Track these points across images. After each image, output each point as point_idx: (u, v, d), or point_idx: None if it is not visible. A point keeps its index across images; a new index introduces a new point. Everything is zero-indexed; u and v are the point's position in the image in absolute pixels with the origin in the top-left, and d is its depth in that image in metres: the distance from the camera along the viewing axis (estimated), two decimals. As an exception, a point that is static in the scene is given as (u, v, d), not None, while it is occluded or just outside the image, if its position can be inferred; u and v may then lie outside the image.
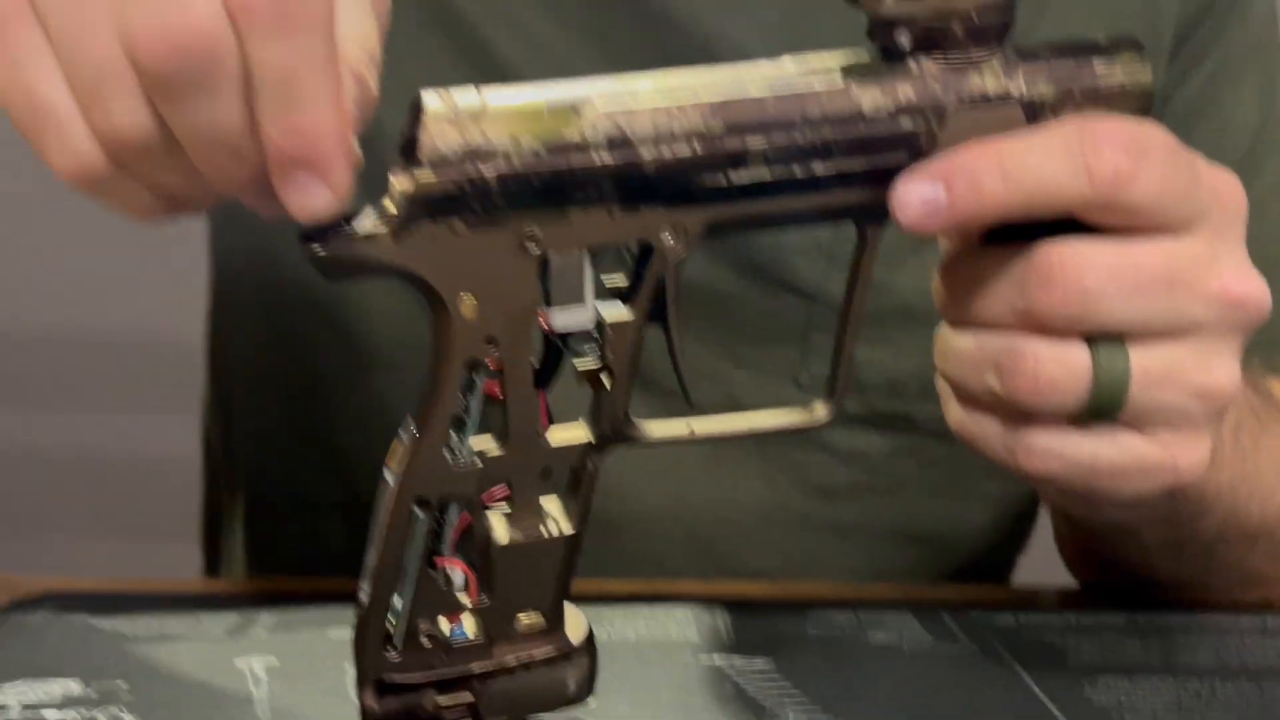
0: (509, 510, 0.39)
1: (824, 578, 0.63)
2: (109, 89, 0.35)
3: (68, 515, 1.49)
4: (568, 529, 0.39)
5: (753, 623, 0.51)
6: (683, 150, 0.37)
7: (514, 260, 0.37)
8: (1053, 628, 0.52)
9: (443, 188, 0.36)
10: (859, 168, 0.38)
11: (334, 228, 0.36)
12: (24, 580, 0.54)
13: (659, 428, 0.40)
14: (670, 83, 0.38)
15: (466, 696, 0.40)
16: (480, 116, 0.36)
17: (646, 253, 0.38)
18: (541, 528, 0.39)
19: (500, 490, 0.39)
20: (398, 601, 0.39)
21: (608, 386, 0.39)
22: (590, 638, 0.41)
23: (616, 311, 0.38)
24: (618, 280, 0.39)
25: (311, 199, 0.35)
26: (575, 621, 0.41)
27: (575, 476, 0.40)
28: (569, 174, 0.37)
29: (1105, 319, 0.39)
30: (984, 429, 0.42)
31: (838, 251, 0.60)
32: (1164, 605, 0.54)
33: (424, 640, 0.39)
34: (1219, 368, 0.40)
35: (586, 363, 0.39)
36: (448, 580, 0.39)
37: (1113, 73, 0.40)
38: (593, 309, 0.38)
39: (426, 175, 0.36)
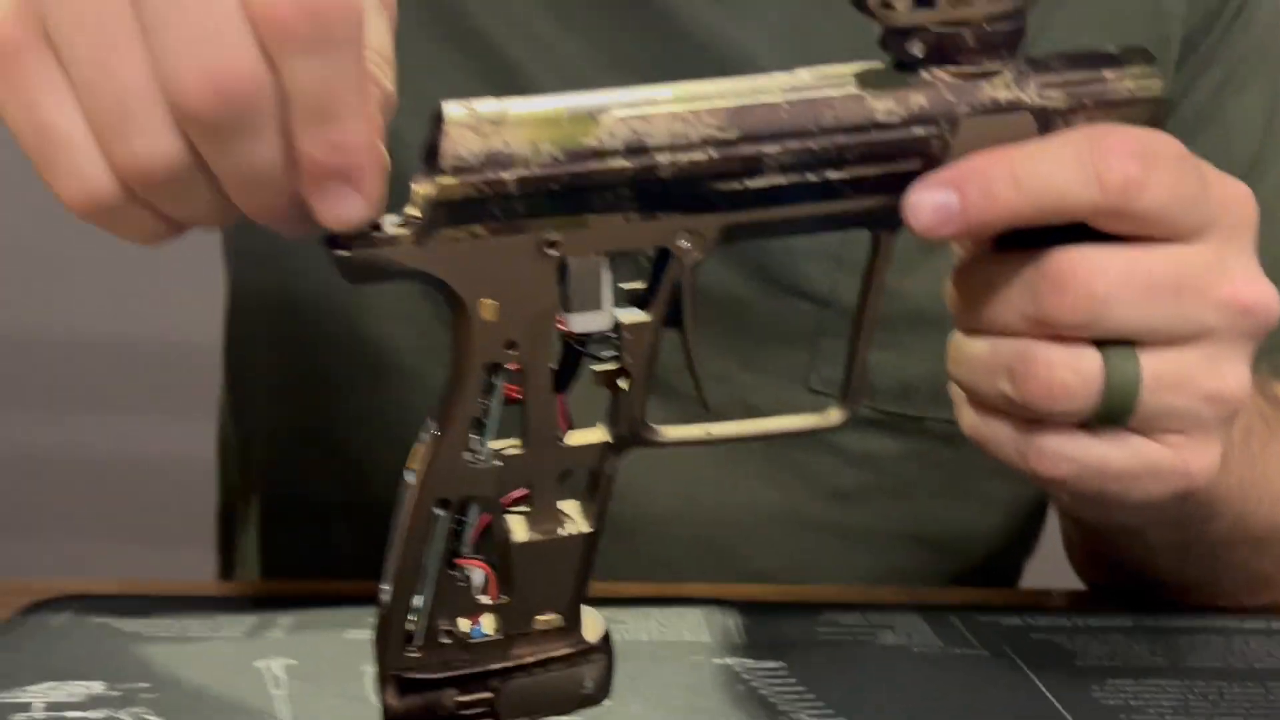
0: (528, 511, 0.40)
1: (833, 580, 0.63)
2: (133, 120, 0.35)
3: (82, 518, 1.49)
4: (585, 529, 0.40)
5: (763, 625, 0.52)
6: (699, 157, 0.38)
7: (533, 265, 0.38)
8: (1060, 630, 0.52)
9: (464, 193, 0.37)
10: (873, 175, 0.39)
11: (358, 232, 0.37)
12: (43, 584, 0.55)
13: (675, 431, 0.41)
14: (687, 91, 0.38)
15: (485, 694, 0.40)
16: (501, 123, 0.37)
17: (663, 258, 0.39)
18: (559, 528, 0.40)
19: (519, 491, 0.40)
20: (418, 600, 0.40)
21: (625, 389, 0.39)
22: (607, 638, 0.41)
23: (634, 315, 0.39)
24: (635, 284, 0.40)
25: (347, 209, 0.36)
26: (592, 621, 0.41)
27: (593, 478, 0.40)
28: (587, 180, 0.37)
29: (1116, 325, 0.40)
30: (997, 433, 0.42)
31: (848, 257, 0.60)
32: (1170, 608, 0.55)
33: (444, 638, 0.40)
34: (1229, 373, 0.41)
35: (604, 366, 0.39)
36: (468, 580, 0.40)
37: (1124, 82, 0.40)
38: (610, 313, 0.39)
39: (448, 181, 0.37)
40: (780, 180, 0.39)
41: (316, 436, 0.68)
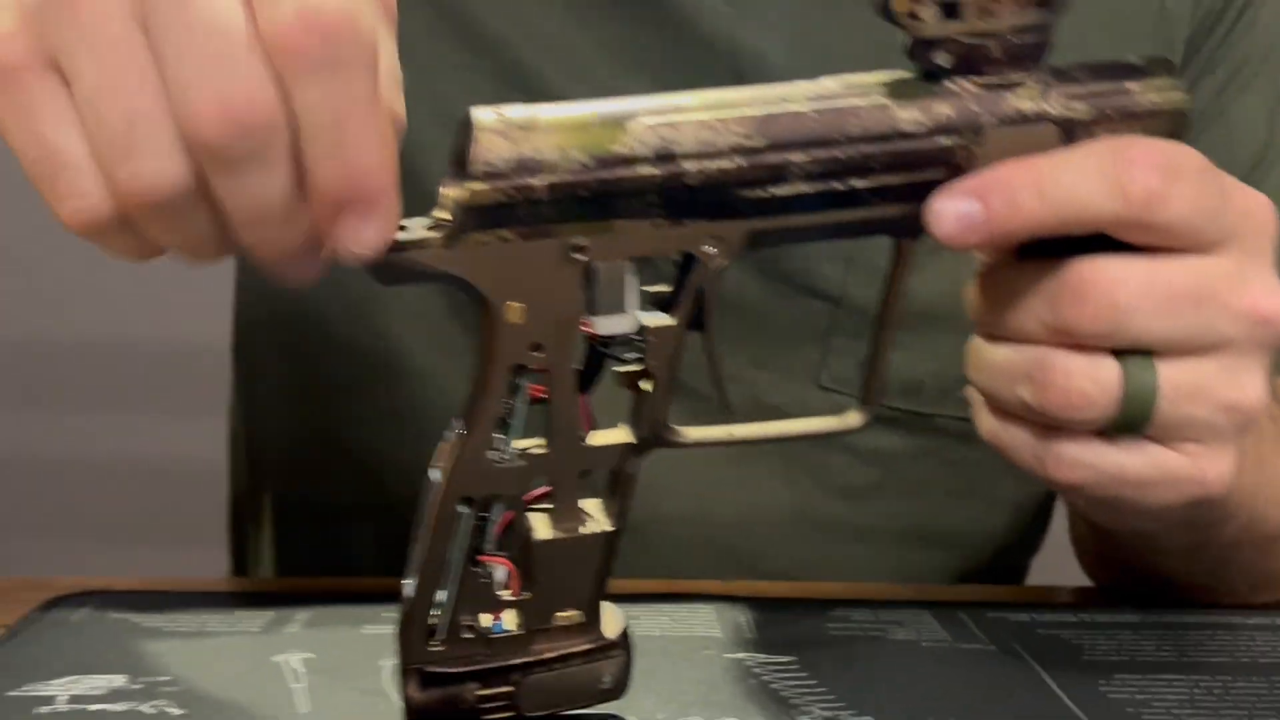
0: (550, 509, 0.40)
1: (843, 577, 0.64)
2: (138, 143, 0.35)
3: (91, 519, 1.50)
4: (607, 528, 0.41)
5: (774, 621, 0.52)
6: (726, 164, 0.39)
7: (560, 269, 0.38)
8: (1068, 625, 0.53)
9: (494, 198, 0.37)
10: (897, 183, 0.40)
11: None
12: (62, 580, 0.56)
13: (697, 432, 0.42)
14: (715, 99, 0.39)
15: (506, 688, 0.41)
16: (530, 129, 0.38)
17: (689, 262, 0.40)
18: (581, 526, 0.41)
19: (542, 489, 0.40)
20: (441, 595, 0.40)
21: (648, 391, 0.40)
22: (626, 634, 0.42)
23: (658, 319, 0.40)
24: (659, 287, 0.40)
25: (364, 236, 0.36)
26: (612, 618, 0.42)
27: (615, 477, 0.41)
28: (615, 186, 0.38)
29: (1135, 335, 0.40)
30: (1015, 438, 0.43)
31: (859, 256, 0.61)
32: (1177, 605, 0.55)
33: (466, 633, 0.40)
34: (1246, 383, 0.41)
35: (627, 367, 0.40)
36: (490, 576, 0.41)
37: (1147, 94, 0.41)
38: (635, 316, 0.40)
39: (478, 186, 0.37)
40: (805, 188, 0.39)
41: (326, 436, 0.69)
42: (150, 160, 0.35)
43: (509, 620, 0.41)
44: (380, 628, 0.50)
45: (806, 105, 0.39)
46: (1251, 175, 0.62)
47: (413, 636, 0.41)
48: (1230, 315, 0.41)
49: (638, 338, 0.40)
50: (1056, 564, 0.70)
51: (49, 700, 0.44)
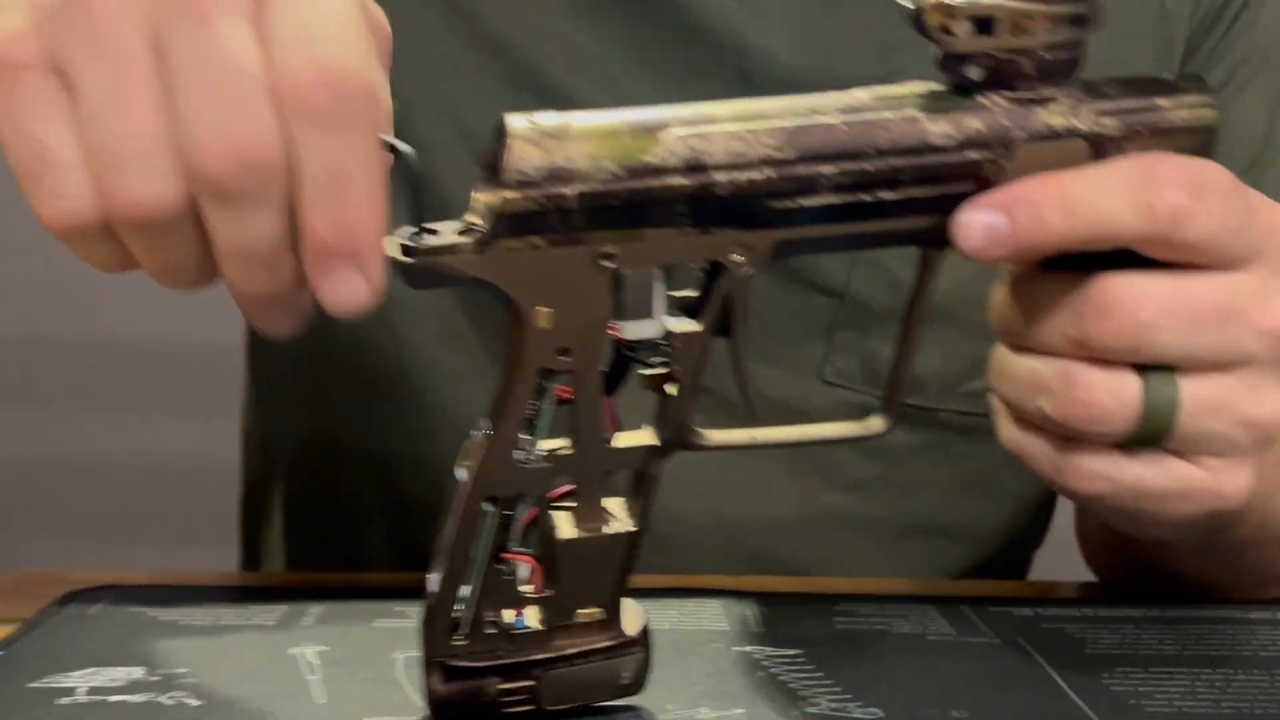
0: (573, 507, 0.41)
1: (849, 570, 0.65)
2: (136, 162, 0.36)
3: (99, 518, 1.51)
4: (629, 527, 0.41)
5: (781, 615, 0.53)
6: (756, 176, 0.39)
7: (589, 275, 0.39)
8: (1071, 620, 0.54)
9: (525, 206, 0.38)
10: (926, 196, 0.40)
11: (420, 238, 0.38)
12: (77, 575, 0.56)
13: (721, 435, 0.42)
14: (745, 110, 0.40)
15: (527, 683, 0.42)
16: (562, 138, 0.38)
17: (716, 270, 0.40)
18: (604, 526, 0.41)
19: (566, 488, 0.41)
20: (465, 590, 0.41)
21: (673, 395, 0.41)
22: (646, 631, 0.43)
23: (685, 325, 0.41)
24: (686, 292, 0.41)
25: (348, 291, 0.37)
26: (633, 615, 0.43)
27: (638, 478, 0.42)
28: (645, 196, 0.39)
29: (1159, 351, 0.41)
30: (1034, 448, 0.44)
31: (861, 253, 0.62)
32: (1179, 600, 0.56)
33: (489, 628, 0.41)
34: (1267, 400, 0.42)
35: (653, 371, 0.41)
36: (513, 573, 0.41)
37: (1178, 111, 0.42)
38: (662, 321, 0.41)
39: (510, 194, 0.38)
40: (834, 199, 0.40)
41: (336, 434, 0.70)
42: (146, 179, 0.35)
43: (531, 616, 0.42)
44: (392, 621, 0.51)
45: (837, 117, 0.40)
46: (1249, 173, 0.62)
47: (436, 630, 0.42)
48: (1255, 333, 0.41)
49: (664, 343, 0.41)
50: (1059, 560, 0.71)
51: (69, 692, 0.45)
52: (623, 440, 0.41)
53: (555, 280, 0.39)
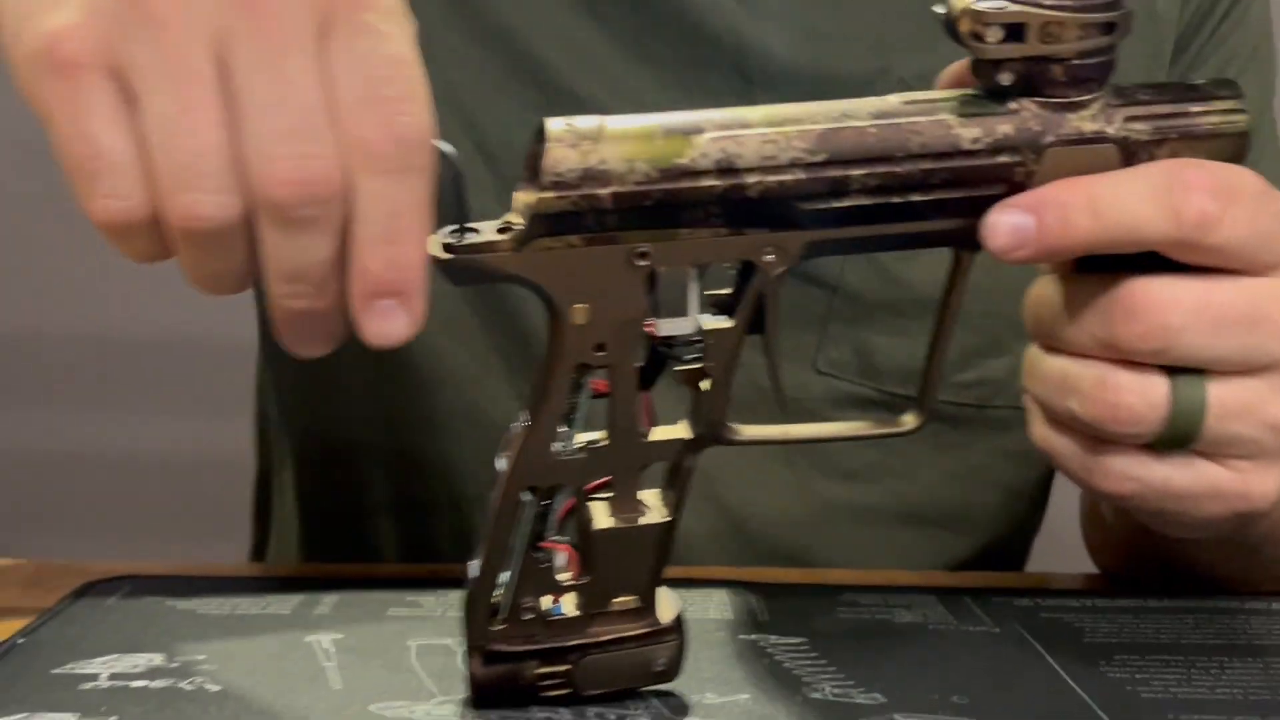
0: (609, 498, 0.43)
1: (846, 557, 0.66)
2: (198, 176, 0.36)
3: (117, 513, 1.52)
4: (664, 518, 0.43)
5: (786, 605, 0.55)
6: (787, 178, 0.41)
7: (625, 274, 0.41)
8: (1069, 609, 0.55)
9: (561, 207, 0.40)
10: (956, 199, 0.42)
11: (460, 236, 0.40)
12: (95, 565, 0.57)
13: (753, 430, 0.44)
14: (778, 114, 0.41)
15: (563, 667, 0.44)
16: (598, 140, 0.40)
17: (748, 269, 0.42)
18: (639, 516, 0.43)
19: (603, 480, 0.43)
20: (505, 577, 0.43)
21: (707, 390, 0.42)
22: (680, 619, 0.45)
23: (718, 322, 0.42)
24: (721, 290, 0.43)
25: (392, 326, 0.38)
26: (667, 603, 0.45)
27: (673, 471, 0.43)
28: (679, 197, 0.40)
29: (1186, 354, 0.42)
30: (1064, 448, 0.45)
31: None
32: (1175, 592, 0.57)
33: (527, 614, 0.43)
34: None
35: (688, 367, 0.42)
36: (551, 561, 0.43)
37: (1209, 117, 0.43)
38: (696, 319, 0.42)
39: (546, 195, 0.39)
40: (865, 201, 0.41)
41: (348, 431, 0.70)
42: (207, 193, 0.37)
43: (568, 603, 0.44)
44: (405, 610, 0.52)
45: (868, 121, 0.41)
46: None
47: (477, 616, 0.43)
48: None
49: (698, 339, 0.42)
50: (1057, 553, 0.72)
51: (92, 678, 0.46)
52: (658, 434, 0.43)
53: (591, 278, 0.40)
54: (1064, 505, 0.72)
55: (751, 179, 0.40)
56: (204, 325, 1.26)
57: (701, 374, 0.42)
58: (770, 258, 0.41)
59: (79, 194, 0.38)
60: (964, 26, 0.41)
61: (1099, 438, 0.44)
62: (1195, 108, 0.43)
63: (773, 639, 0.51)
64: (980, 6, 0.41)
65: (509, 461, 0.42)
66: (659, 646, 0.45)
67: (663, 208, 0.40)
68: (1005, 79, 0.41)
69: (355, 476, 0.70)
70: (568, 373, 0.41)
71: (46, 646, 0.49)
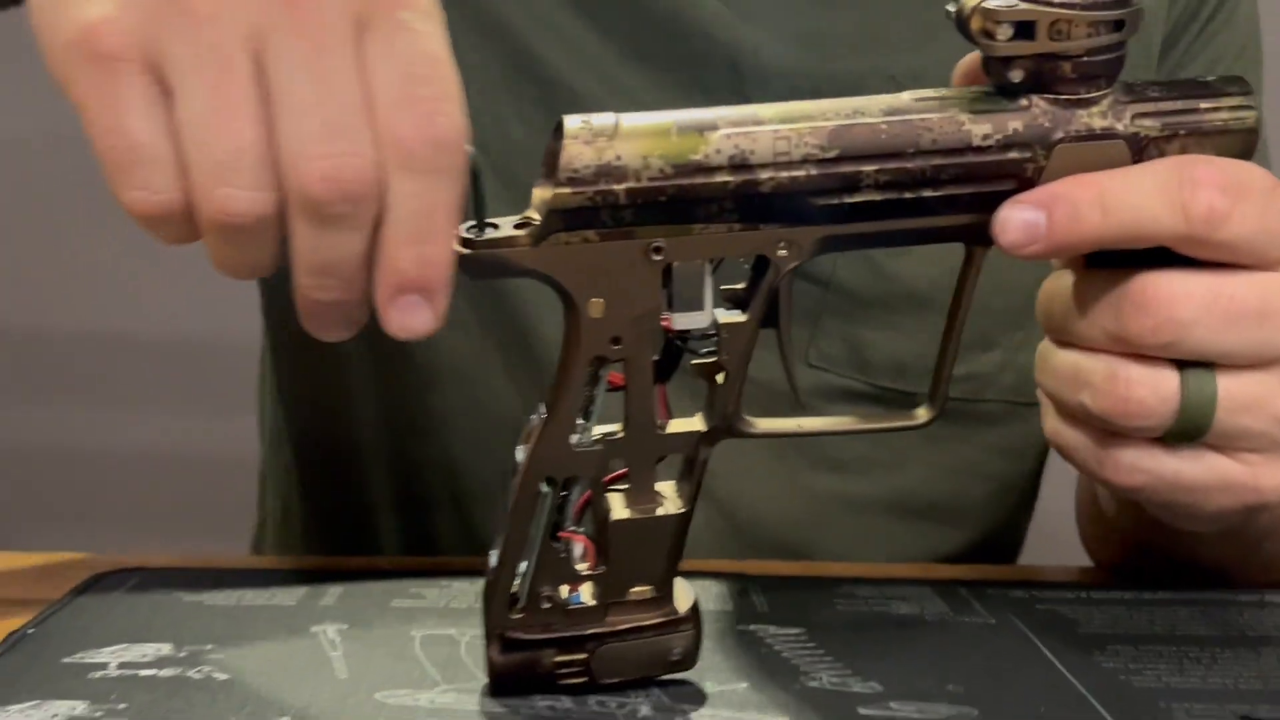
0: (626, 489, 0.44)
1: (837, 548, 0.67)
2: (234, 172, 0.37)
3: (124, 510, 1.52)
4: (679, 509, 0.43)
5: (783, 596, 0.56)
6: (799, 174, 0.41)
7: (640, 268, 0.42)
8: (1064, 601, 0.56)
9: (578, 202, 0.41)
10: (967, 194, 0.43)
11: (479, 231, 0.41)
12: (103, 558, 0.58)
13: (767, 423, 0.45)
14: (791, 111, 0.42)
15: (581, 655, 0.45)
16: (614, 137, 0.41)
17: (762, 264, 0.43)
18: (655, 507, 0.43)
19: (619, 472, 0.44)
20: (524, 567, 0.44)
21: (722, 383, 0.43)
22: (696, 609, 0.45)
23: (732, 316, 0.43)
24: (735, 285, 0.44)
25: (416, 320, 0.39)
26: (683, 592, 0.46)
27: (688, 463, 0.44)
28: (693, 193, 0.41)
29: (1196, 348, 0.43)
30: (1075, 441, 0.46)
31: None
32: (1169, 584, 0.58)
33: (545, 603, 0.44)
34: None
35: (703, 360, 0.44)
36: (568, 551, 0.44)
37: (1218, 113, 0.44)
38: (711, 313, 0.43)
39: (564, 190, 0.41)
40: (877, 197, 0.42)
41: (350, 428, 0.71)
42: (244, 191, 0.37)
43: (586, 593, 0.45)
44: (409, 601, 0.53)
45: (880, 118, 0.42)
46: None
47: (495, 604, 0.44)
48: None
49: (713, 333, 0.42)
50: (1050, 549, 0.73)
51: (101, 666, 0.47)
52: (674, 426, 0.44)
53: (607, 273, 0.42)
54: (1055, 502, 0.72)
55: (765, 175, 0.41)
56: (212, 323, 1.27)
57: (717, 367, 0.43)
58: (783, 252, 0.42)
59: (113, 184, 0.38)
60: (975, 24, 0.42)
61: (1110, 431, 0.45)
62: (1204, 104, 0.43)
63: (771, 630, 0.52)
64: (991, 4, 0.42)
65: (527, 453, 0.43)
66: (675, 635, 0.46)
67: (677, 203, 0.41)
68: (1016, 76, 0.42)
69: (356, 473, 0.71)
70: (584, 366, 0.42)
71: (56, 636, 0.50)
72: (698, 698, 0.46)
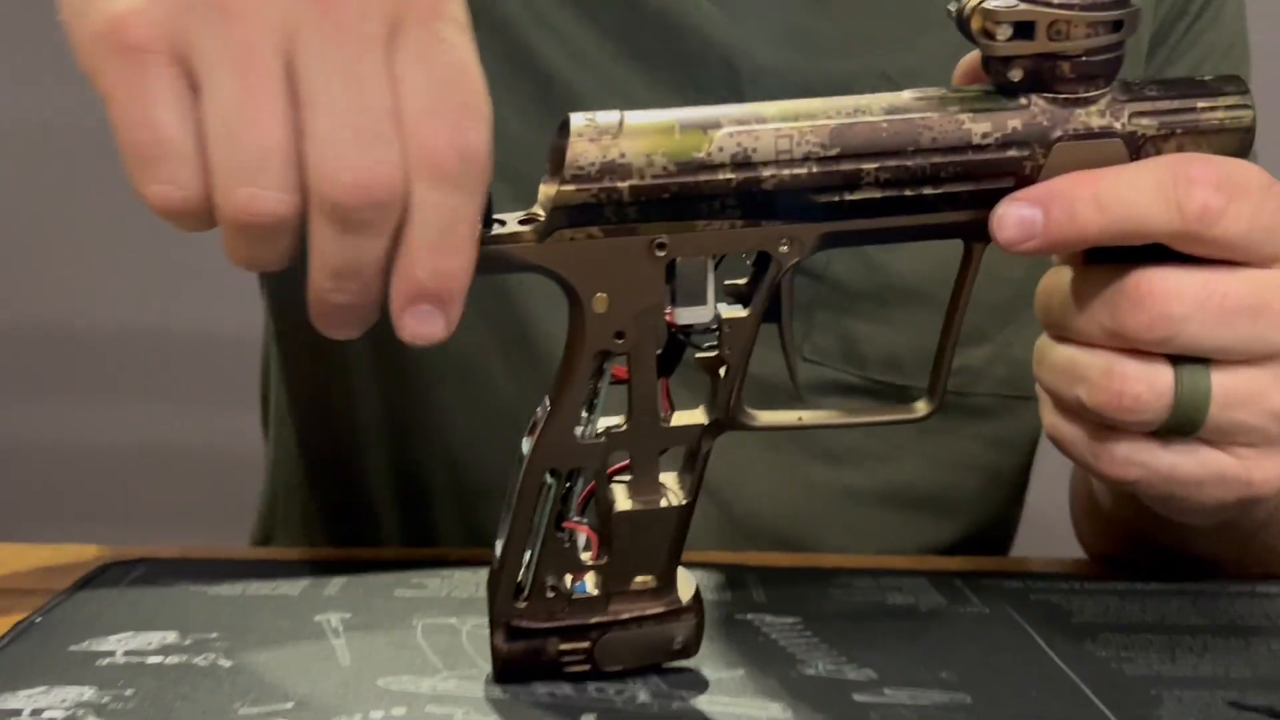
0: (629, 481, 0.45)
1: (831, 538, 0.68)
2: (260, 172, 0.37)
3: (128, 506, 1.53)
4: (681, 500, 0.44)
5: (780, 587, 0.56)
6: (800, 171, 0.42)
7: (644, 264, 0.43)
8: (1058, 592, 0.57)
9: (582, 199, 0.42)
10: (966, 192, 0.44)
11: (486, 227, 0.42)
12: (110, 549, 0.59)
13: (769, 416, 0.46)
14: (793, 109, 0.43)
15: (584, 644, 0.46)
16: (618, 135, 0.42)
17: (764, 260, 0.44)
18: (658, 499, 0.44)
19: (623, 464, 0.45)
20: (528, 556, 0.45)
21: (723, 376, 0.43)
22: (698, 597, 0.46)
23: (735, 311, 0.44)
24: (737, 280, 0.45)
25: (429, 328, 0.40)
26: (685, 582, 0.47)
27: (690, 455, 0.45)
28: (696, 190, 0.42)
29: (1190, 343, 0.44)
30: (1071, 435, 0.47)
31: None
32: (1161, 575, 0.58)
33: (549, 592, 0.45)
34: None
35: (705, 354, 0.45)
36: (572, 541, 0.45)
37: (1215, 112, 0.44)
38: (713, 307, 0.44)
39: (568, 187, 0.41)
40: (877, 194, 0.43)
41: (353, 425, 0.71)
42: (269, 191, 0.37)
43: (589, 583, 0.46)
44: (411, 591, 0.54)
45: (881, 116, 0.43)
46: None
47: (501, 593, 0.45)
48: None
49: (715, 327, 0.43)
50: (1042, 542, 0.73)
51: (108, 654, 0.48)
52: (677, 419, 0.45)
53: (612, 268, 0.42)
54: (1046, 496, 0.73)
55: (767, 172, 0.42)
56: (218, 318, 1.28)
57: (719, 361, 0.44)
58: (785, 249, 0.43)
59: (134, 177, 0.38)
60: (975, 24, 0.43)
61: (1106, 425, 0.45)
62: (1201, 103, 0.44)
63: (768, 619, 0.53)
64: (991, 5, 0.43)
65: (532, 444, 0.44)
66: (678, 624, 0.47)
67: (681, 200, 0.42)
68: (1015, 75, 0.43)
69: (357, 468, 0.72)
70: (588, 360, 0.43)
71: (64, 625, 0.51)
72: (696, 684, 0.47)
